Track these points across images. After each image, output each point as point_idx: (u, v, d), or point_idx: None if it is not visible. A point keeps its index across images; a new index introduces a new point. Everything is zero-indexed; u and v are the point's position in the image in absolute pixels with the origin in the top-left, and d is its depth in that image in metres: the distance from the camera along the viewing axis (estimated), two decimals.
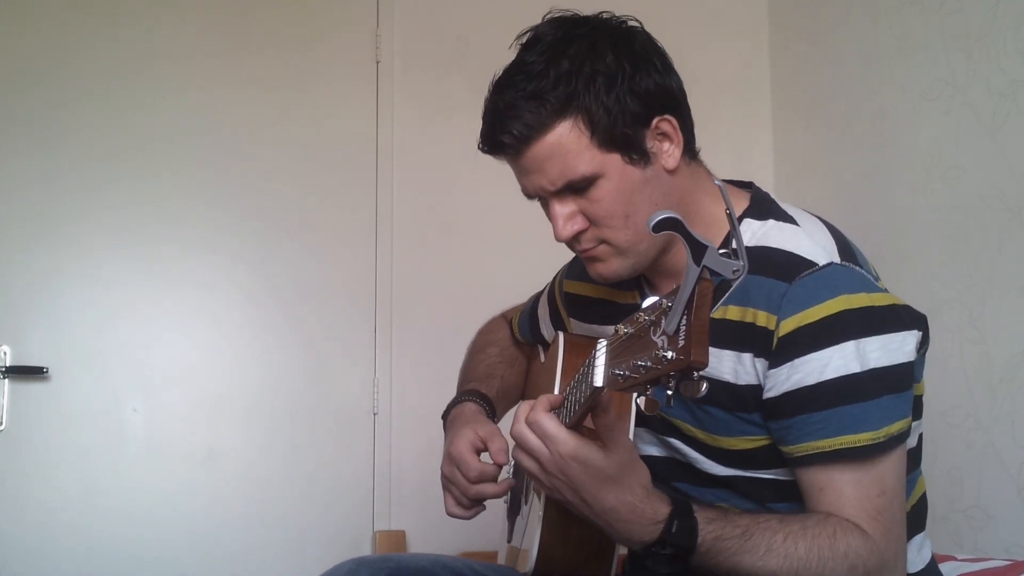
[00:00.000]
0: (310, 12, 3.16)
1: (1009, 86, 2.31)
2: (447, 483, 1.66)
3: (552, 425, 1.25)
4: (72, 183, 2.91)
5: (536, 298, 1.98)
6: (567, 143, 1.38)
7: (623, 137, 1.40)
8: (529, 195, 1.48)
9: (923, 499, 1.58)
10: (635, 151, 1.41)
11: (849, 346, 1.34)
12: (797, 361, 1.35)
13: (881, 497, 1.35)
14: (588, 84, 1.38)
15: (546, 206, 1.48)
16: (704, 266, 0.93)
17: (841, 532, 1.31)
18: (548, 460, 1.25)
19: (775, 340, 1.37)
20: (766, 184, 1.59)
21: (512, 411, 1.95)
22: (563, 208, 1.43)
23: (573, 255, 1.84)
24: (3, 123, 2.88)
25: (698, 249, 0.94)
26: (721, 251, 0.95)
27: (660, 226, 0.94)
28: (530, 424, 1.27)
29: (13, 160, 2.88)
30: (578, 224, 1.43)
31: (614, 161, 1.40)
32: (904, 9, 2.68)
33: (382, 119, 3.16)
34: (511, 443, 1.37)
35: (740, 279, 0.96)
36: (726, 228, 1.50)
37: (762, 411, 1.41)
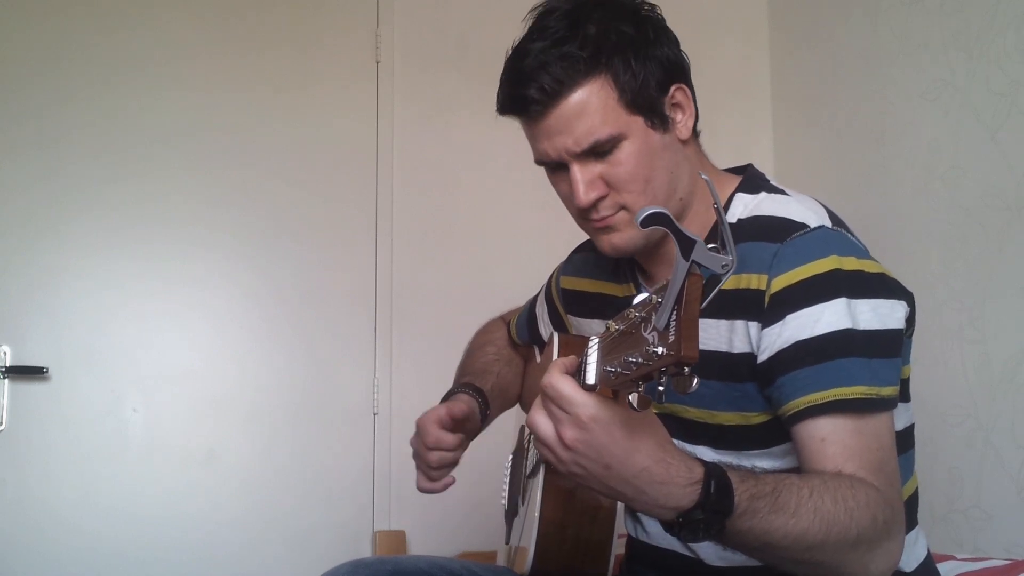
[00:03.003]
0: (310, 12, 3.16)
1: (1009, 86, 2.31)
2: (415, 456, 1.71)
3: (566, 386, 1.12)
4: (72, 183, 2.92)
5: (534, 299, 1.99)
6: (595, 101, 1.40)
7: (647, 100, 1.42)
8: (547, 159, 1.47)
9: (915, 495, 1.57)
10: (657, 116, 1.44)
11: (840, 302, 1.35)
12: (789, 317, 1.35)
13: (880, 451, 1.32)
14: (616, 46, 1.41)
15: (558, 174, 1.48)
16: (693, 261, 0.93)
17: (857, 483, 1.27)
18: (566, 427, 1.12)
19: (767, 299, 1.37)
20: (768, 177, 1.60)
21: (510, 411, 1.97)
22: (585, 173, 1.43)
23: (569, 253, 1.85)
24: (3, 123, 2.88)
25: (686, 244, 0.94)
26: (710, 246, 0.95)
27: (648, 221, 0.94)
28: (545, 386, 1.14)
29: (13, 160, 2.89)
30: (599, 189, 1.43)
31: (637, 124, 1.42)
32: (904, 9, 2.68)
33: (382, 119, 3.16)
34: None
35: (729, 274, 0.96)
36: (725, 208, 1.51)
37: (756, 379, 1.40)
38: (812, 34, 3.18)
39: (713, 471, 1.15)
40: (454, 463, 1.70)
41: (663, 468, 1.12)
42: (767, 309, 1.37)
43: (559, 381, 1.13)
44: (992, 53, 2.36)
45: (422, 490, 1.71)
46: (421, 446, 1.68)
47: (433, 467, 1.68)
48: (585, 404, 1.11)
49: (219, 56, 3.06)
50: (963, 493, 2.39)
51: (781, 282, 1.36)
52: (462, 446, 1.69)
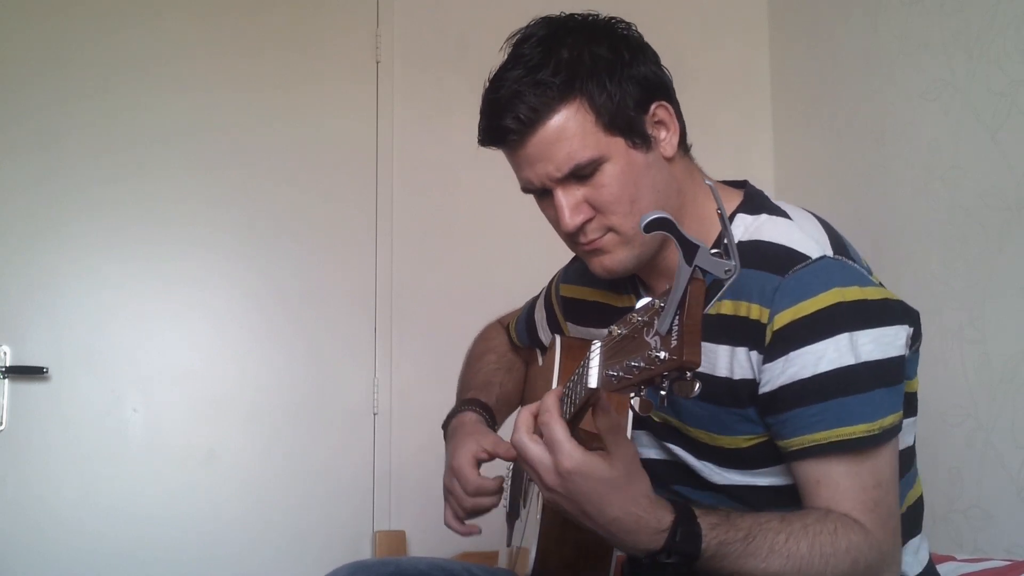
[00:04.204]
0: (310, 12, 3.16)
1: (1009, 86, 2.31)
2: (447, 494, 1.68)
3: (561, 434, 1.21)
4: (72, 183, 2.92)
5: (532, 303, 1.98)
6: (573, 126, 1.39)
7: (626, 120, 1.42)
8: (531, 187, 1.47)
9: (919, 501, 1.58)
10: (637, 135, 1.43)
11: (843, 338, 1.35)
12: (792, 354, 1.36)
13: (877, 489, 1.35)
14: (590, 69, 1.40)
15: (545, 200, 1.48)
16: (696, 266, 0.93)
17: (842, 528, 1.30)
18: (549, 472, 1.22)
19: (769, 334, 1.37)
20: (766, 184, 1.60)
21: (512, 416, 1.96)
22: (569, 197, 1.43)
23: (571, 257, 1.85)
24: (3, 122, 2.88)
25: (690, 249, 0.94)
26: (713, 251, 0.95)
27: (651, 226, 0.94)
28: (541, 425, 1.23)
29: (13, 160, 2.89)
30: (584, 213, 1.43)
31: (618, 145, 1.41)
32: (904, 9, 2.68)
33: (382, 119, 3.16)
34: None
35: (732, 279, 0.96)
36: (719, 225, 1.50)
37: (757, 406, 1.41)
38: (812, 34, 3.18)
39: (683, 519, 1.24)
40: (490, 509, 1.66)
41: (633, 520, 1.22)
42: (769, 344, 1.37)
43: (555, 425, 1.22)
44: (992, 53, 2.36)
45: (448, 526, 1.69)
46: (459, 490, 1.63)
47: (467, 510, 1.65)
48: (570, 456, 1.20)
49: (219, 56, 3.06)
50: (963, 493, 2.39)
51: (784, 318, 1.36)
52: (500, 492, 1.65)
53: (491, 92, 1.45)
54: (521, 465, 1.30)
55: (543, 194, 1.47)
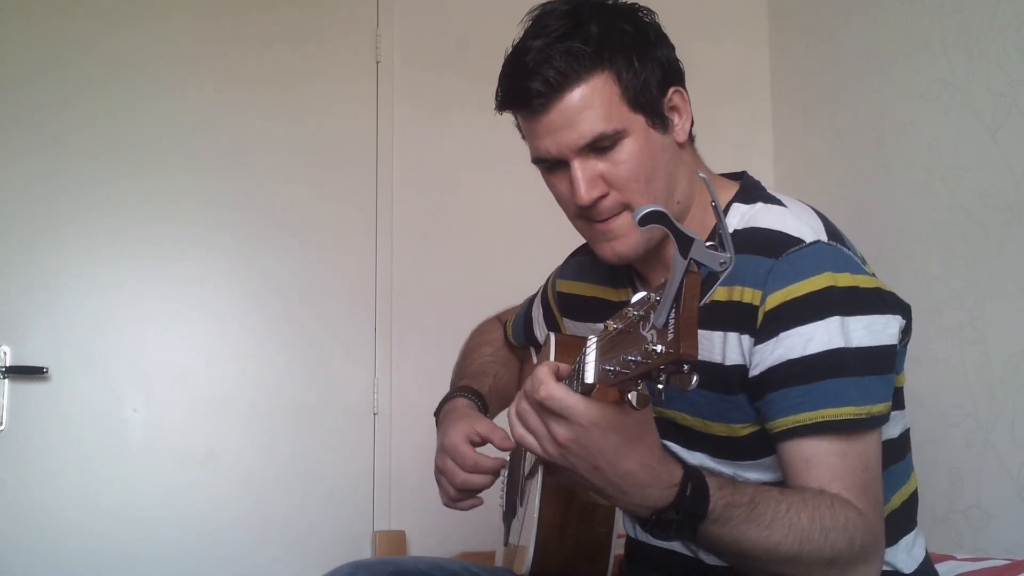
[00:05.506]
0: (310, 12, 3.17)
1: (1009, 86, 2.31)
2: (439, 475, 1.66)
3: (565, 395, 1.13)
4: (72, 183, 2.91)
5: (529, 301, 1.98)
6: (599, 96, 1.39)
7: (648, 99, 1.43)
8: (547, 157, 1.45)
9: (914, 496, 1.57)
10: (657, 116, 1.44)
11: (834, 321, 1.34)
12: (782, 335, 1.35)
13: (865, 473, 1.33)
14: (619, 44, 1.41)
15: (556, 173, 1.46)
16: (691, 259, 0.93)
17: (839, 504, 1.29)
18: (563, 426, 1.14)
19: (760, 315, 1.37)
20: (766, 184, 1.59)
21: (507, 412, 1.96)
22: (586, 170, 1.42)
23: (567, 255, 1.85)
24: (3, 123, 2.88)
25: (685, 242, 0.94)
26: (708, 243, 0.95)
27: (646, 219, 0.94)
28: (543, 400, 1.14)
29: (13, 160, 2.89)
30: (600, 188, 1.42)
31: (639, 122, 1.42)
32: (904, 9, 2.68)
33: (382, 119, 3.16)
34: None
35: (727, 271, 0.96)
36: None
37: (747, 391, 1.40)
38: (812, 34, 3.18)
39: (692, 474, 1.19)
40: (480, 488, 1.63)
41: (648, 472, 1.16)
42: (761, 326, 1.37)
43: (555, 390, 1.14)
44: (992, 53, 2.36)
45: (447, 505, 1.68)
46: (451, 466, 1.61)
47: (459, 487, 1.62)
48: (586, 412, 1.12)
49: (219, 56, 3.06)
50: (963, 493, 2.39)
51: (775, 299, 1.36)
52: (496, 473, 1.62)
53: (516, 56, 1.44)
54: (537, 414, 1.18)
55: (555, 166, 1.46)
